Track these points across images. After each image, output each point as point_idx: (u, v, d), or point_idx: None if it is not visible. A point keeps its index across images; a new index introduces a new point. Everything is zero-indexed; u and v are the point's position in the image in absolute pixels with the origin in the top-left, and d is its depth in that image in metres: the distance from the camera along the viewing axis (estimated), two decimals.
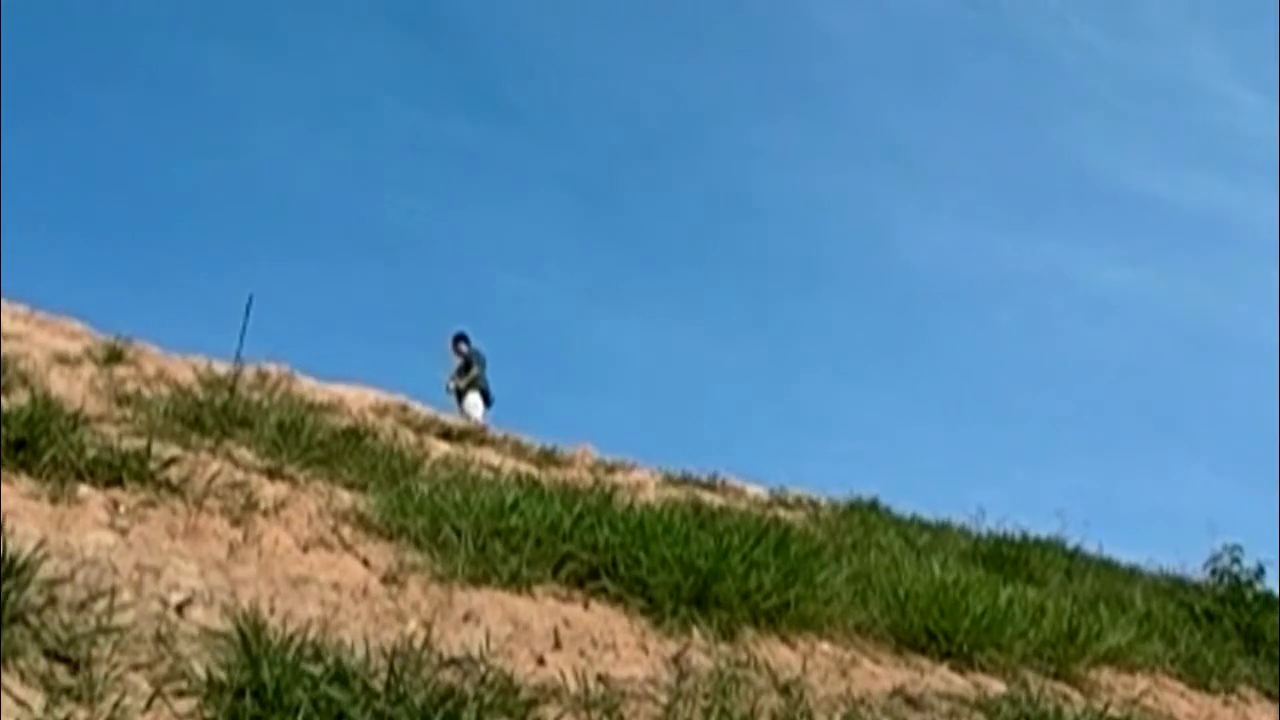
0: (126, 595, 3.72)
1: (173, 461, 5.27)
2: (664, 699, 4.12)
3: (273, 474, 5.98)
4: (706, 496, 10.39)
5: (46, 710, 2.96)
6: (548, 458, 11.42)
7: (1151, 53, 49.27)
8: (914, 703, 4.86)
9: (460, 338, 18.79)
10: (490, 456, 10.09)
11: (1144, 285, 44.66)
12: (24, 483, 4.70)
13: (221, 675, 3.27)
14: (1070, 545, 11.50)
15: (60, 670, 3.16)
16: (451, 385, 18.33)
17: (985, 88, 48.67)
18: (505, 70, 48.29)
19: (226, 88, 43.92)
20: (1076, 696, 5.57)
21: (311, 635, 3.58)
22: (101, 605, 3.52)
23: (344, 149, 41.87)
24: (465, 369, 18.56)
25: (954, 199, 46.50)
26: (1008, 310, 45.08)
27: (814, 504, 12.22)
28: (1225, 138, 47.06)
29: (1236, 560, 10.10)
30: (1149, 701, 5.86)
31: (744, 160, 48.06)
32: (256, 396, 8.36)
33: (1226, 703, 6.71)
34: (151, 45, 46.09)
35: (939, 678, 5.35)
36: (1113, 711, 5.26)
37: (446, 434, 11.39)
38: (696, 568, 5.22)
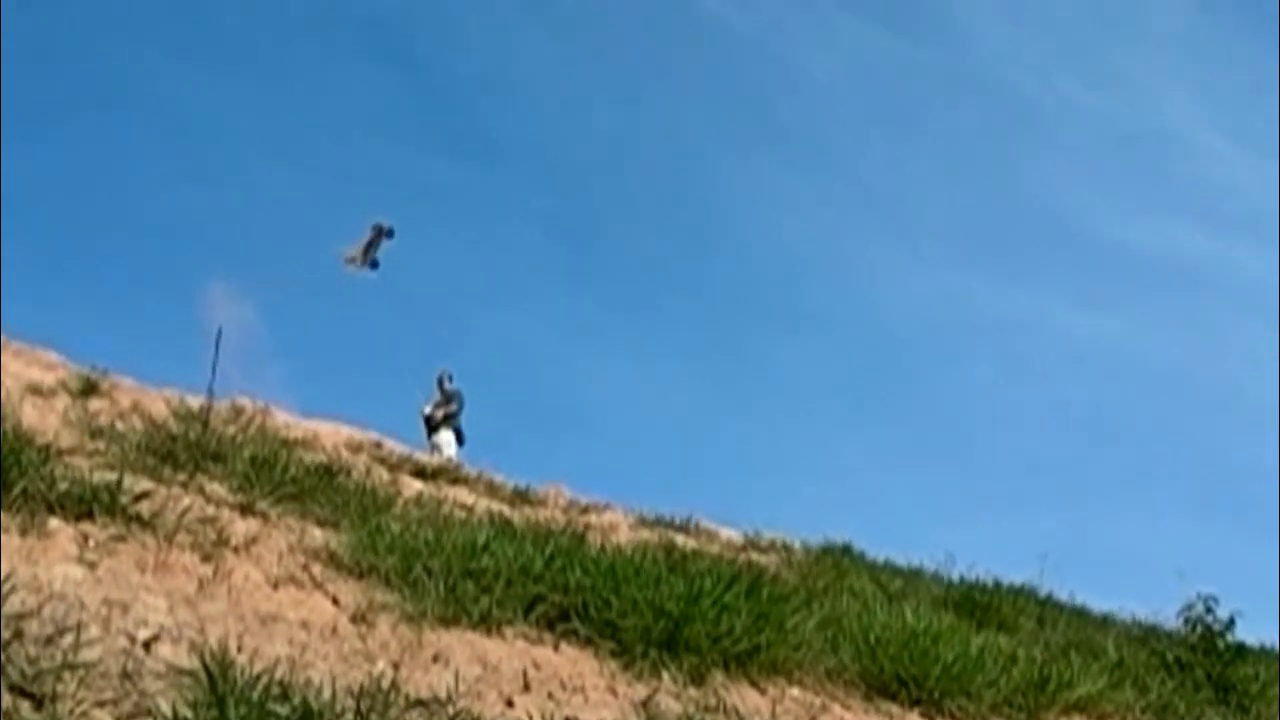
0: (94, 630, 3.69)
1: (144, 496, 5.24)
2: None
3: (244, 510, 5.96)
4: (680, 539, 10.37)
5: None
6: (521, 497, 11.41)
7: (1128, 102, 49.85)
8: None
9: (447, 375, 19.20)
10: (463, 495, 10.07)
11: (1118, 333, 45.01)
12: None
13: (187, 714, 3.25)
14: (1043, 593, 11.53)
15: (24, 706, 3.14)
16: (426, 411, 18.67)
17: (962, 134, 49.18)
18: (484, 108, 48.57)
19: (205, 119, 44.05)
20: None
21: (279, 674, 3.56)
22: (68, 640, 3.50)
23: (322, 182, 41.89)
24: (445, 403, 18.90)
25: (930, 244, 46.86)
26: (982, 355, 45.37)
27: (787, 548, 12.22)
28: (1201, 187, 47.63)
29: (1210, 609, 10.10)
30: None
31: (721, 203, 48.39)
32: (230, 431, 8.33)
33: None
34: (130, 75, 46.23)
35: None
36: None
37: (420, 472, 11.38)
38: (667, 611, 5.21)
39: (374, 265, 19.93)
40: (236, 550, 5.12)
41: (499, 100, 48.74)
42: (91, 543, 4.66)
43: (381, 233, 19.82)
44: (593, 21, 49.99)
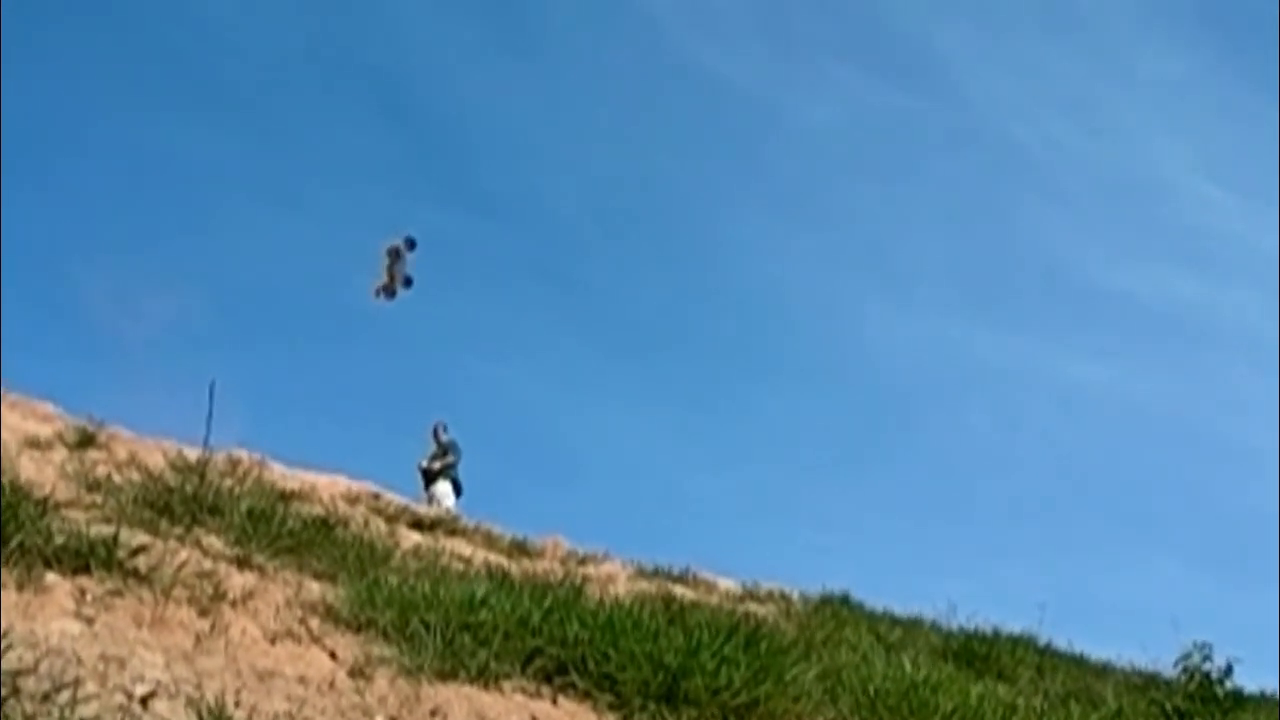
0: (90, 686, 3.68)
1: (141, 550, 5.23)
2: None
3: (241, 563, 5.95)
4: (678, 590, 10.35)
5: None
6: (519, 549, 11.39)
7: (1121, 149, 50.04)
8: None
9: (442, 426, 19.18)
10: (461, 547, 10.05)
11: (1114, 380, 45.04)
12: None
13: None
14: (1041, 641, 11.50)
15: None
16: (423, 464, 18.67)
17: (956, 182, 49.36)
18: (479, 158, 48.77)
19: (199, 166, 44.15)
20: None
21: None
22: (65, 697, 3.49)
23: (317, 233, 41.90)
24: (441, 455, 18.87)
25: (925, 293, 46.95)
26: (978, 404, 45.37)
27: (785, 598, 12.19)
28: (1194, 234, 47.70)
29: (1207, 658, 10.09)
30: None
31: (716, 252, 48.52)
32: (228, 483, 8.31)
33: None
34: (124, 122, 46.39)
35: None
36: None
37: (418, 523, 11.36)
38: (666, 664, 5.20)
39: (407, 283, 19.92)
40: (234, 604, 5.11)
41: (492, 150, 48.98)
42: (89, 597, 4.65)
43: (399, 253, 19.81)
44: (587, 72, 50.30)
